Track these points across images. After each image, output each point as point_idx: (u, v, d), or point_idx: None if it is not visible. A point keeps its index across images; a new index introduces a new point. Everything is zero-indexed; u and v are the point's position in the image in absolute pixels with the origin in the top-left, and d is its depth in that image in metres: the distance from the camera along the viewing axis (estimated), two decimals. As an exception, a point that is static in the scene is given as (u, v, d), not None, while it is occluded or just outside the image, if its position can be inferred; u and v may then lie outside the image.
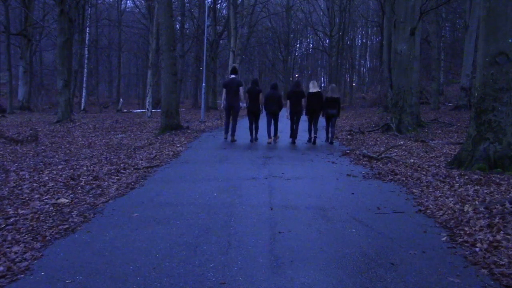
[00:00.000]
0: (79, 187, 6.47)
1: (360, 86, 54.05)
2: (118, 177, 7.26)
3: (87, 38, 32.33)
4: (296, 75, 57.02)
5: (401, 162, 8.53)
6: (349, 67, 44.16)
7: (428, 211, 5.30)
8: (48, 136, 13.87)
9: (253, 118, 11.97)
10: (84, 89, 32.60)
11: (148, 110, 22.91)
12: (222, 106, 12.34)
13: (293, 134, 12.00)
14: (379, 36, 37.84)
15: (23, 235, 4.39)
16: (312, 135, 11.99)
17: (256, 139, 12.15)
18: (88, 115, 25.63)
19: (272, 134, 11.99)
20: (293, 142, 11.99)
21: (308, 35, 57.67)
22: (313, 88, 11.94)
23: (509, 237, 4.15)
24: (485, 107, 7.41)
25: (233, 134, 11.96)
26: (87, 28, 32.52)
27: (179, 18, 34.04)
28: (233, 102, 11.69)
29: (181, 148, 10.82)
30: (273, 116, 11.86)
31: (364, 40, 59.10)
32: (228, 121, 12.15)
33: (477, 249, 3.97)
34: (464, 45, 21.33)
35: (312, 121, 11.99)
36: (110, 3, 42.46)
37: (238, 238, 4.35)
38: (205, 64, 22.68)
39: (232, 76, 11.92)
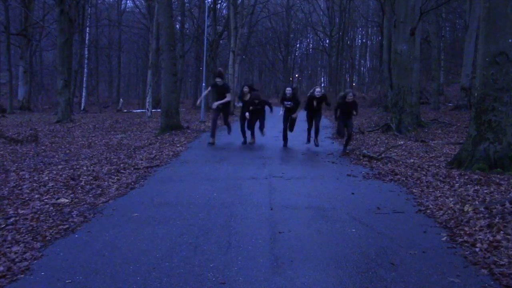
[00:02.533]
0: (79, 187, 6.46)
1: (360, 86, 53.98)
2: (118, 177, 7.26)
3: (87, 38, 32.30)
4: (296, 75, 56.98)
5: (401, 162, 8.53)
6: (349, 67, 44.13)
7: (428, 211, 5.30)
8: (48, 136, 13.86)
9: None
10: (84, 89, 32.58)
11: (148, 110, 22.89)
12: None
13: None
14: (379, 36, 37.81)
15: (23, 235, 4.39)
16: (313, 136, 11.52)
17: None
18: (88, 115, 25.62)
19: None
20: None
21: (308, 35, 57.62)
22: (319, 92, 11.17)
23: (509, 237, 4.15)
24: (485, 107, 7.41)
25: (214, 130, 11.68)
26: (87, 28, 32.49)
27: (179, 18, 34.01)
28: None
29: (181, 148, 10.82)
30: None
31: (364, 40, 59.04)
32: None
33: (477, 249, 3.97)
34: (464, 45, 21.31)
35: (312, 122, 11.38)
36: (110, 3, 42.42)
37: (238, 238, 4.36)
38: (205, 64, 22.66)
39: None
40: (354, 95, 10.37)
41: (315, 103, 10.88)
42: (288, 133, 11.51)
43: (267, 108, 11.70)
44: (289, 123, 11.36)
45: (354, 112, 10.32)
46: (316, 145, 11.11)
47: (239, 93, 12.17)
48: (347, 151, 10.26)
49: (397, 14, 14.36)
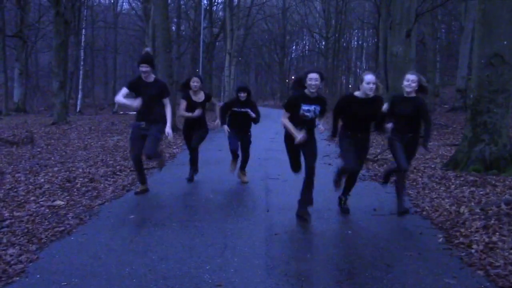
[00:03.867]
0: (75, 189, 6.44)
1: (355, 88, 54.02)
2: (114, 179, 7.24)
3: (82, 40, 32.22)
4: (292, 77, 56.92)
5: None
6: (345, 69, 44.28)
7: (424, 213, 5.31)
8: (43, 138, 13.80)
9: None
10: (80, 91, 32.45)
11: (144, 112, 22.79)
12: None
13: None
14: (375, 38, 37.92)
15: (19, 237, 4.36)
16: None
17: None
18: (84, 117, 25.53)
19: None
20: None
21: (304, 37, 57.74)
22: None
23: (504, 238, 4.16)
24: (480, 109, 7.43)
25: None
26: (83, 30, 32.42)
27: (175, 19, 34.02)
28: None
29: (177, 150, 10.81)
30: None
31: (360, 42, 59.21)
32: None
33: (473, 251, 3.98)
34: (460, 47, 21.40)
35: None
36: (106, 5, 42.37)
37: (234, 239, 4.35)
38: (201, 66, 22.67)
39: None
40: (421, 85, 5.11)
41: (360, 114, 5.27)
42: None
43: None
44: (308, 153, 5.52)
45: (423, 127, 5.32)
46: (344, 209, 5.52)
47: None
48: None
49: (393, 16, 14.40)
